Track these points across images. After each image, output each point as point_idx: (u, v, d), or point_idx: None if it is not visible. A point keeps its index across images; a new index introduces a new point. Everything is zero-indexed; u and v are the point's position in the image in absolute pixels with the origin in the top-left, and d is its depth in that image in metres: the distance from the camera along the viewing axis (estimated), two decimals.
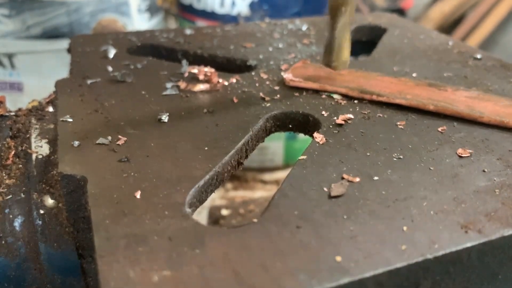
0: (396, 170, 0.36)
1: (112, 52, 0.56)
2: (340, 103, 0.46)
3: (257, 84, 0.50)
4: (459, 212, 0.31)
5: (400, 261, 0.27)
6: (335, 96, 0.48)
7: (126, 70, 0.53)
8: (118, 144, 0.38)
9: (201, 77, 0.49)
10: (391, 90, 0.46)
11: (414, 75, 0.52)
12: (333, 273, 0.26)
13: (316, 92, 0.48)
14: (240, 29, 0.68)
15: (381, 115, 0.44)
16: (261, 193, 1.07)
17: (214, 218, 0.95)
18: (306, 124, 0.44)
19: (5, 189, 0.38)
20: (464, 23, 1.78)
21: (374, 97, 0.45)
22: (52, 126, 0.44)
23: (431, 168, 0.36)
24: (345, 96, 0.47)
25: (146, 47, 0.61)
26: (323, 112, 0.44)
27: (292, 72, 0.50)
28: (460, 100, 0.45)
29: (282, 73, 0.53)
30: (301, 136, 0.46)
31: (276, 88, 0.49)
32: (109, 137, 0.39)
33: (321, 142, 0.39)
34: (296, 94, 0.48)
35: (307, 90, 0.48)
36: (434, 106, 0.43)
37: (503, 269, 0.32)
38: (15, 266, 0.38)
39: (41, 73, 0.96)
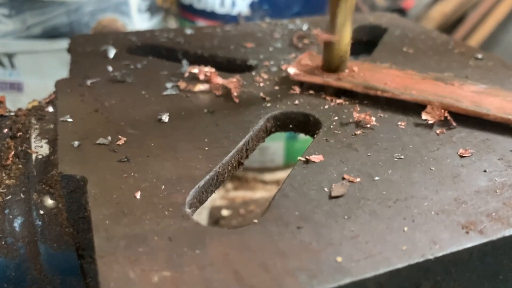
0: (397, 170, 0.36)
1: (112, 52, 0.56)
2: (341, 103, 0.46)
3: (257, 84, 0.50)
4: (460, 212, 0.31)
5: (401, 262, 0.27)
6: (336, 96, 0.48)
7: (126, 70, 0.52)
8: (118, 144, 0.38)
9: (201, 77, 0.49)
10: (396, 84, 0.46)
11: None
12: (334, 273, 0.26)
13: (317, 92, 0.48)
14: (240, 29, 0.68)
15: (381, 115, 0.44)
16: (261, 193, 1.07)
17: (215, 218, 0.95)
18: (306, 124, 0.44)
19: (5, 189, 0.38)
20: (465, 23, 1.78)
21: (379, 93, 0.45)
22: (52, 126, 0.44)
23: (432, 168, 0.36)
24: (348, 92, 0.47)
25: (146, 47, 0.61)
26: (324, 112, 0.44)
27: (297, 65, 0.50)
28: (467, 95, 0.44)
29: (286, 67, 0.52)
30: (302, 136, 0.46)
31: (277, 88, 0.49)
32: (109, 137, 0.39)
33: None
34: (297, 94, 0.47)
35: (307, 90, 0.48)
36: (440, 103, 0.43)
37: (504, 269, 0.31)
38: (15, 267, 0.38)
39: (41, 73, 0.96)
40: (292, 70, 0.49)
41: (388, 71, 0.49)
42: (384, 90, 0.45)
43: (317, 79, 0.48)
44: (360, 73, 0.48)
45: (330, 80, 0.47)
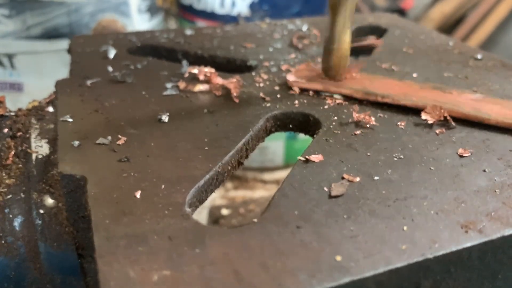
0: (397, 169, 0.36)
1: (112, 53, 0.56)
2: (341, 103, 0.46)
3: (257, 84, 0.50)
4: (459, 211, 0.31)
5: (400, 261, 0.27)
6: (336, 96, 0.48)
7: (126, 70, 0.53)
8: (118, 144, 0.38)
9: (201, 77, 0.49)
10: (395, 92, 0.46)
11: (414, 75, 0.52)
12: (334, 272, 0.26)
13: (317, 92, 0.48)
14: (240, 29, 0.68)
15: (381, 115, 0.44)
16: (261, 192, 1.08)
17: (215, 217, 0.95)
18: (306, 124, 0.44)
19: (5, 189, 0.38)
20: (465, 23, 1.78)
21: (379, 99, 0.45)
22: (52, 126, 0.44)
23: (432, 168, 0.36)
24: (347, 97, 0.47)
25: (146, 48, 0.61)
26: (323, 112, 0.44)
27: (295, 74, 0.50)
28: (466, 102, 0.44)
29: (285, 67, 0.53)
30: (301, 136, 0.46)
31: (277, 88, 0.49)
32: (109, 137, 0.39)
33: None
34: (297, 94, 0.48)
35: (307, 90, 0.48)
36: (441, 108, 0.43)
37: (503, 268, 0.32)
38: (15, 266, 0.38)
39: (41, 73, 0.96)
40: (291, 78, 0.49)
41: (386, 80, 0.49)
42: (384, 96, 0.45)
43: (317, 86, 0.48)
44: (359, 82, 0.48)
45: (329, 87, 0.47)
